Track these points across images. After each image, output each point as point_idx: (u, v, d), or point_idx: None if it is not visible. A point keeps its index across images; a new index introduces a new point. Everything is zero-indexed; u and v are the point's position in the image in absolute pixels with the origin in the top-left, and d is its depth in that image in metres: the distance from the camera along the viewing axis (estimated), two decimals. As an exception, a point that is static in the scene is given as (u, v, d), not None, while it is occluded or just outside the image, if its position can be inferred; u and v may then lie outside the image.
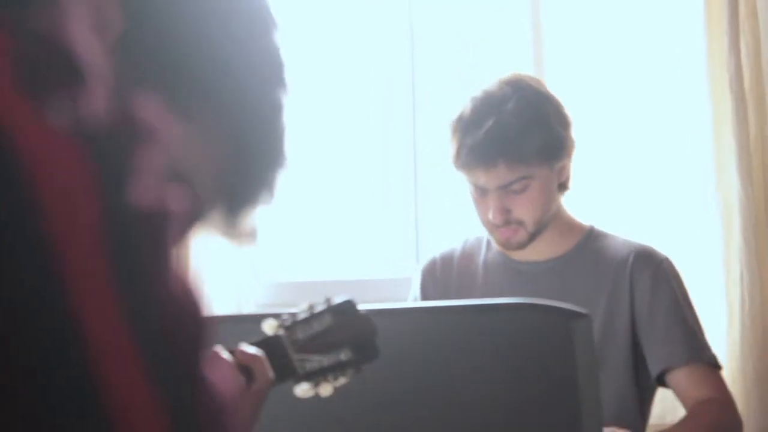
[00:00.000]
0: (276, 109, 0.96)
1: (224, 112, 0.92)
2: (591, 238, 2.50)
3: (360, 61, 3.24)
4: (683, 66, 3.13)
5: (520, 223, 2.41)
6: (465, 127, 2.38)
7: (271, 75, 0.95)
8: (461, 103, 2.42)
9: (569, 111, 2.45)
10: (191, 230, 0.91)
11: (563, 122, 2.43)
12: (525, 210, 2.39)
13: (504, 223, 2.40)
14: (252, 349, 1.45)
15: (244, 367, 1.43)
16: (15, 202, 0.61)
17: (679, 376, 2.39)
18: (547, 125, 2.39)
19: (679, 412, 2.51)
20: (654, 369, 2.40)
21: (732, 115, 3.07)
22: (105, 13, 0.82)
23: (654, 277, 2.42)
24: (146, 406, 0.62)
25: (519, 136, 2.35)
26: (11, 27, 0.64)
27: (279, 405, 1.52)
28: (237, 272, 3.04)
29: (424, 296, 2.53)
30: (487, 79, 2.48)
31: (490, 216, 2.39)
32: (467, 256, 2.55)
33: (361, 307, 1.53)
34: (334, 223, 3.22)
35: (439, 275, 2.54)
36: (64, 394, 0.61)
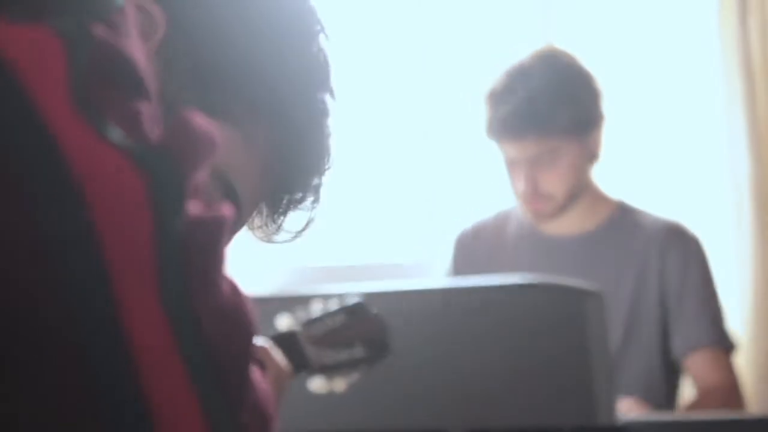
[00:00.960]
0: (321, 116, 0.95)
1: (268, 117, 0.91)
2: (621, 213, 2.51)
3: (371, 48, 3.25)
4: (696, 46, 3.13)
5: (550, 196, 2.43)
6: (496, 98, 2.41)
7: (317, 81, 0.94)
8: (495, 75, 2.45)
9: (600, 84, 2.46)
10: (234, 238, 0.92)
11: (594, 96, 2.45)
12: (554, 183, 2.42)
13: (533, 194, 2.42)
14: (259, 341, 1.46)
15: (257, 360, 1.44)
16: (67, 212, 0.61)
17: (697, 358, 2.39)
18: (577, 99, 2.42)
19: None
20: (679, 348, 2.40)
21: (743, 95, 3.07)
22: (150, 17, 0.82)
23: (685, 255, 2.43)
24: (191, 420, 0.62)
25: (548, 109, 2.37)
26: (68, 35, 0.64)
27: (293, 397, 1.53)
28: (256, 256, 3.06)
29: (456, 267, 2.55)
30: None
31: (521, 186, 2.41)
32: (499, 227, 2.57)
33: (372, 307, 1.55)
34: (348, 208, 3.23)
35: (470, 246, 2.57)
36: (111, 407, 0.61)
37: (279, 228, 0.98)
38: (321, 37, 0.94)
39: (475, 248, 2.56)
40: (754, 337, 3.05)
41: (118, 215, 0.62)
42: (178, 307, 0.63)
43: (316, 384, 1.54)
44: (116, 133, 0.63)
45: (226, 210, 0.67)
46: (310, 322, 1.52)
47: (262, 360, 1.42)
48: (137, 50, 0.67)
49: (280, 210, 0.97)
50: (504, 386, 1.65)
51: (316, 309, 1.54)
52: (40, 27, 0.64)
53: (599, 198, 2.52)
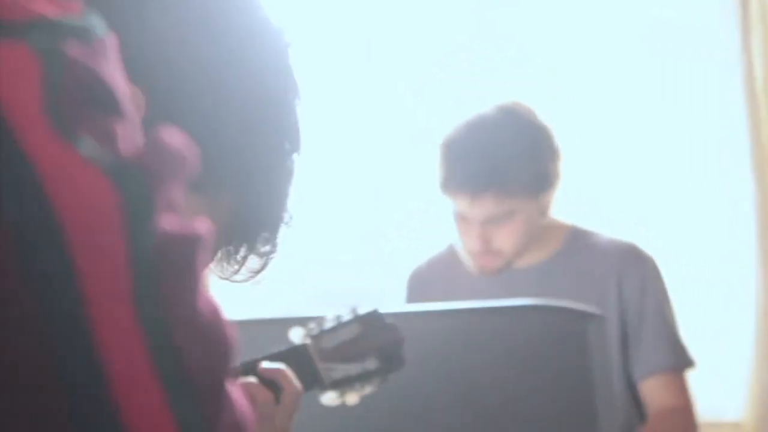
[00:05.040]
0: (287, 179, 0.96)
1: (235, 186, 0.92)
2: (575, 238, 2.47)
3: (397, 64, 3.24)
4: (717, 62, 3.13)
5: (500, 253, 2.39)
6: (456, 152, 2.33)
7: (288, 147, 0.95)
8: (453, 125, 2.37)
9: (559, 143, 2.40)
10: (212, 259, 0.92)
11: (554, 155, 2.38)
12: (506, 240, 2.37)
13: (485, 252, 2.38)
14: (276, 363, 1.45)
15: (271, 381, 1.44)
16: (39, 229, 0.61)
17: (652, 382, 2.38)
18: (539, 158, 2.35)
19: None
20: (639, 372, 2.39)
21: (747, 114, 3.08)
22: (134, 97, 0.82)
23: (642, 276, 2.40)
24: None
25: (510, 166, 2.31)
26: (42, 52, 0.64)
27: (303, 409, 1.53)
28: (270, 278, 3.06)
29: (410, 303, 2.51)
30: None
31: (472, 244, 2.37)
32: (453, 261, 2.51)
33: (386, 315, 1.53)
34: (358, 232, 3.23)
35: (425, 281, 2.53)
36: (86, 427, 0.61)
37: (238, 270, 0.99)
38: (296, 101, 0.95)
39: (430, 283, 2.52)
40: (759, 344, 3.06)
41: (90, 230, 0.62)
42: (154, 325, 0.62)
43: (328, 397, 1.51)
44: (89, 148, 0.63)
45: (202, 226, 0.66)
46: (323, 334, 1.50)
47: (277, 382, 1.44)
48: (117, 75, 0.67)
49: (237, 257, 0.98)
50: (505, 408, 1.64)
51: (330, 320, 1.51)
52: (14, 43, 0.64)
53: (551, 226, 2.47)
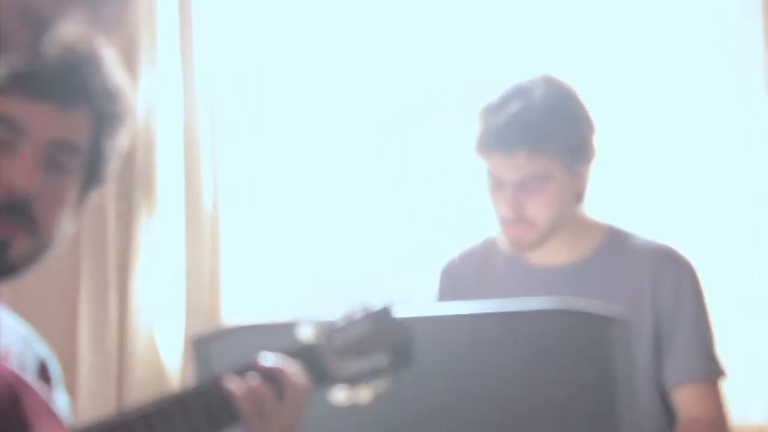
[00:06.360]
0: None
1: None
2: (612, 239, 2.43)
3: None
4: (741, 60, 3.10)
5: (532, 223, 2.35)
6: (490, 110, 2.33)
7: None
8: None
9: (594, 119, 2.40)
10: None
11: (589, 126, 2.37)
12: (539, 209, 2.33)
13: (517, 219, 2.35)
14: (277, 360, 1.47)
15: (273, 378, 1.46)
16: None
17: (684, 390, 2.34)
18: (574, 122, 2.34)
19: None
20: (671, 380, 2.35)
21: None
22: None
23: (678, 280, 2.36)
24: None
25: (544, 124, 2.29)
26: None
27: (320, 415, 1.52)
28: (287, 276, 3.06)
29: (441, 299, 2.50)
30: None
31: (504, 210, 2.35)
32: (486, 256, 2.49)
33: (397, 313, 1.54)
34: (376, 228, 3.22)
35: (456, 276, 2.50)
36: None
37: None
38: None
39: (461, 278, 2.49)
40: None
41: None
42: None
43: (340, 395, 1.53)
44: None
45: None
46: (334, 332, 1.52)
47: (278, 379, 1.44)
48: None
49: None
50: (527, 412, 1.62)
51: (340, 317, 1.53)
52: None
53: (588, 225, 2.43)
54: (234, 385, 1.44)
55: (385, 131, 3.22)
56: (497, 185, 2.35)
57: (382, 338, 1.53)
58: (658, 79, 3.13)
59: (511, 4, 3.19)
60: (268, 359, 1.47)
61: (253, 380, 1.45)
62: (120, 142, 1.58)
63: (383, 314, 1.54)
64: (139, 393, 2.94)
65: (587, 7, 3.16)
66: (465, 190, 3.09)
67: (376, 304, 1.54)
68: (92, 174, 1.57)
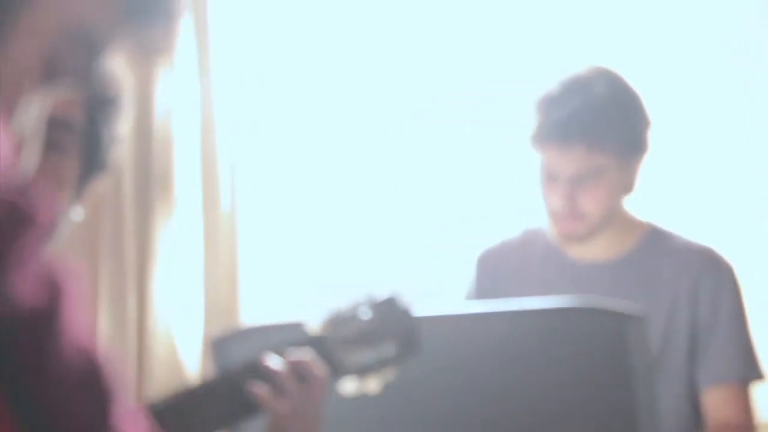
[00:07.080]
0: None
1: None
2: (652, 238, 2.42)
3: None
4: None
5: (584, 216, 2.34)
6: (550, 104, 2.31)
7: None
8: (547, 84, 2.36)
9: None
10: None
11: (645, 120, 2.37)
12: (592, 203, 2.32)
13: (571, 213, 2.33)
14: (300, 354, 1.48)
15: (299, 373, 1.47)
16: None
17: (715, 393, 2.33)
18: (632, 118, 2.33)
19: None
20: (704, 380, 2.34)
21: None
22: None
23: (718, 282, 2.35)
24: None
25: (604, 120, 2.28)
26: None
27: (333, 409, 1.52)
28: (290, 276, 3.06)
29: (478, 287, 2.47)
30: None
31: (557, 203, 2.34)
32: (525, 247, 2.47)
33: (403, 301, 1.54)
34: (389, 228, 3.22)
35: (493, 266, 2.48)
36: None
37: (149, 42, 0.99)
38: None
39: (499, 268, 2.47)
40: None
41: None
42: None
43: (348, 387, 1.53)
44: None
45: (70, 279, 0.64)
46: (340, 323, 1.52)
47: (303, 373, 1.46)
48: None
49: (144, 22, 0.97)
50: (544, 410, 1.62)
51: (347, 308, 1.53)
52: None
53: (629, 222, 2.42)
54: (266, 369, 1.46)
55: (409, 131, 3.22)
56: (550, 178, 2.33)
57: (388, 328, 1.52)
58: (662, 79, 3.12)
59: (518, 4, 3.18)
60: (290, 354, 1.48)
61: (279, 371, 1.47)
62: (117, 127, 1.58)
63: (389, 303, 1.53)
64: (158, 393, 2.95)
65: (592, 7, 3.15)
66: (488, 192, 3.09)
67: (382, 294, 1.54)
68: (91, 158, 1.56)
